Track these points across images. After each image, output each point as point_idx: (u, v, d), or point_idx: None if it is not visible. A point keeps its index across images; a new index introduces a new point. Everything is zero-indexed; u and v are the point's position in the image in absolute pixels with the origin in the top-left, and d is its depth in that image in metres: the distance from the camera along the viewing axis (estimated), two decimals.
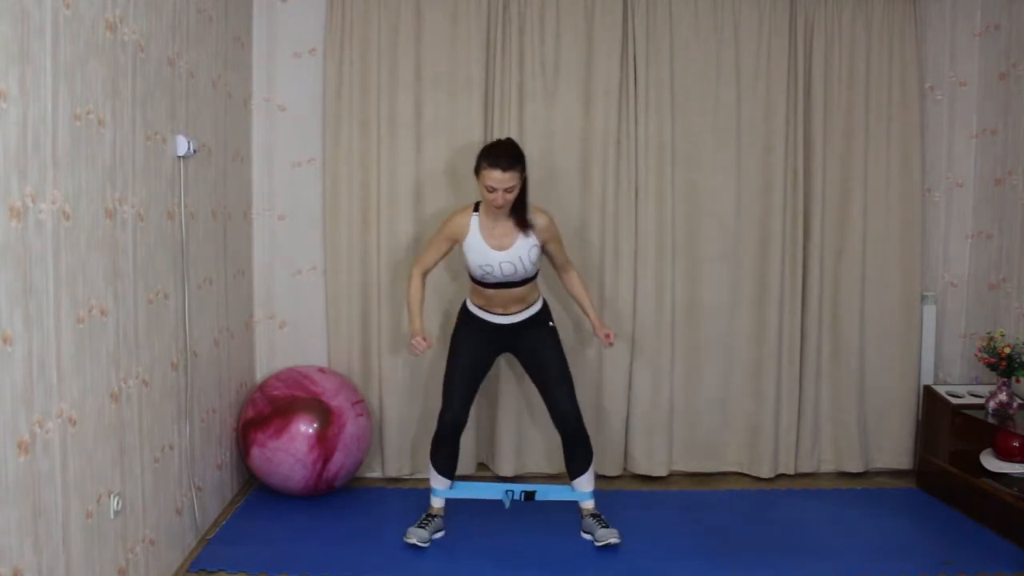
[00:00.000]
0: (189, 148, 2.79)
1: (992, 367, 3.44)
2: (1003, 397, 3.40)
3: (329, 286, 3.74)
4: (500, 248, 2.95)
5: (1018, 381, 3.51)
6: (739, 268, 3.81)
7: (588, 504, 3.13)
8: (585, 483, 3.10)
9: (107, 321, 2.27)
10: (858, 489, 3.75)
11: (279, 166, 3.77)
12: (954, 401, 3.59)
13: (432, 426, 3.72)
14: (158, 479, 2.64)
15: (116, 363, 2.32)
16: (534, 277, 3.07)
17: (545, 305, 3.18)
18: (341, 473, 3.38)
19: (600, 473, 3.82)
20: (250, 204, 3.73)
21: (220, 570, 2.80)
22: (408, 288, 3.12)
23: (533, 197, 3.71)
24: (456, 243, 3.03)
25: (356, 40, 3.63)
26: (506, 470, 3.75)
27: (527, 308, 3.09)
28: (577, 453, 3.09)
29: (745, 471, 3.89)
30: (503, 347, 3.18)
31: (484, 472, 3.86)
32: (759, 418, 3.83)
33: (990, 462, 3.37)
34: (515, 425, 3.76)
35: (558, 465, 3.81)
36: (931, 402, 3.75)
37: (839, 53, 3.79)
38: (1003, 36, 3.78)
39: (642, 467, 3.81)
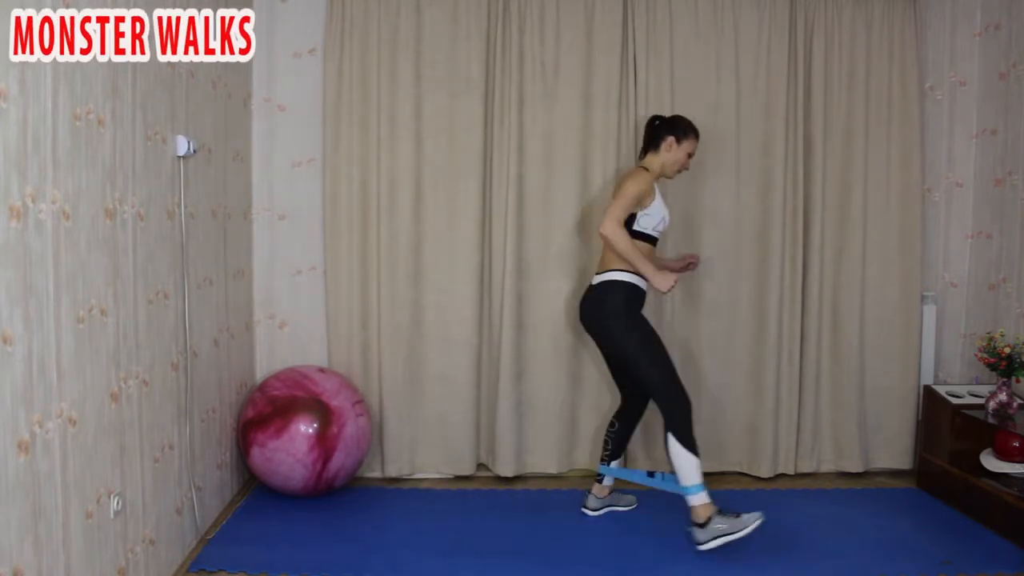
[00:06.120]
0: (189, 148, 2.79)
1: (992, 367, 3.44)
2: (1003, 397, 3.40)
3: (329, 286, 3.74)
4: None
5: (1018, 381, 3.51)
6: (739, 268, 3.81)
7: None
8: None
9: (107, 321, 2.27)
10: (858, 489, 3.75)
11: (279, 166, 3.77)
12: (954, 401, 3.59)
13: (432, 426, 3.77)
14: (158, 479, 2.64)
15: (116, 363, 2.32)
16: None
17: None
18: (341, 473, 3.38)
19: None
20: (250, 204, 3.73)
21: (220, 570, 2.80)
22: (626, 241, 2.98)
23: (533, 196, 3.74)
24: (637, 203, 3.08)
25: (356, 40, 3.63)
26: (506, 470, 3.75)
27: None
28: None
29: (745, 471, 3.89)
30: None
31: (484, 472, 3.86)
32: (759, 418, 3.83)
33: (990, 462, 3.37)
34: (515, 425, 3.76)
35: (559, 465, 3.83)
36: (931, 402, 3.75)
37: (839, 53, 3.79)
38: (1003, 36, 3.78)
39: (642, 466, 3.81)
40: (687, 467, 2.94)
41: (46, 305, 1.95)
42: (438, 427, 3.77)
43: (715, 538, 2.90)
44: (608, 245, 3.05)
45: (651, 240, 3.16)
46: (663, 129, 3.23)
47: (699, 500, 2.94)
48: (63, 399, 2.03)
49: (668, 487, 3.11)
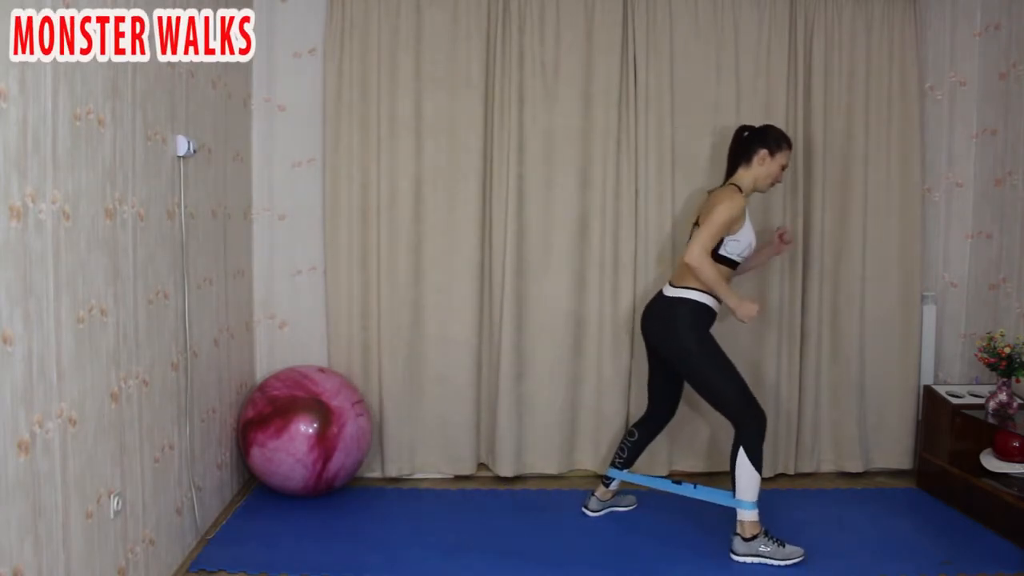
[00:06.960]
0: (189, 148, 2.79)
1: (992, 367, 3.44)
2: (1003, 397, 3.40)
3: (329, 286, 3.73)
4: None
5: (1018, 381, 3.51)
6: (739, 268, 3.81)
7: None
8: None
9: (107, 321, 2.27)
10: (858, 489, 3.75)
11: (279, 166, 3.77)
12: (954, 401, 3.59)
13: (432, 426, 3.77)
14: (158, 479, 2.64)
15: (116, 363, 2.32)
16: None
17: None
18: (341, 473, 3.38)
19: (599, 473, 3.82)
20: (250, 204, 3.73)
21: (220, 570, 2.80)
22: (712, 272, 2.91)
23: (533, 196, 3.74)
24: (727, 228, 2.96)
25: (356, 40, 3.63)
26: (506, 470, 3.75)
27: None
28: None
29: None
30: None
31: (484, 472, 3.86)
32: None
33: (990, 462, 3.37)
34: (515, 425, 3.76)
35: (559, 465, 3.82)
36: (931, 402, 3.75)
37: (839, 53, 3.79)
38: (1003, 36, 3.78)
39: (642, 467, 3.80)
40: (749, 482, 2.91)
41: (46, 305, 1.95)
42: (438, 427, 3.77)
43: (754, 556, 2.90)
44: (693, 273, 2.96)
45: (733, 264, 3.05)
46: (755, 141, 3.07)
47: (751, 516, 2.93)
48: (63, 399, 2.03)
49: (705, 497, 3.09)
